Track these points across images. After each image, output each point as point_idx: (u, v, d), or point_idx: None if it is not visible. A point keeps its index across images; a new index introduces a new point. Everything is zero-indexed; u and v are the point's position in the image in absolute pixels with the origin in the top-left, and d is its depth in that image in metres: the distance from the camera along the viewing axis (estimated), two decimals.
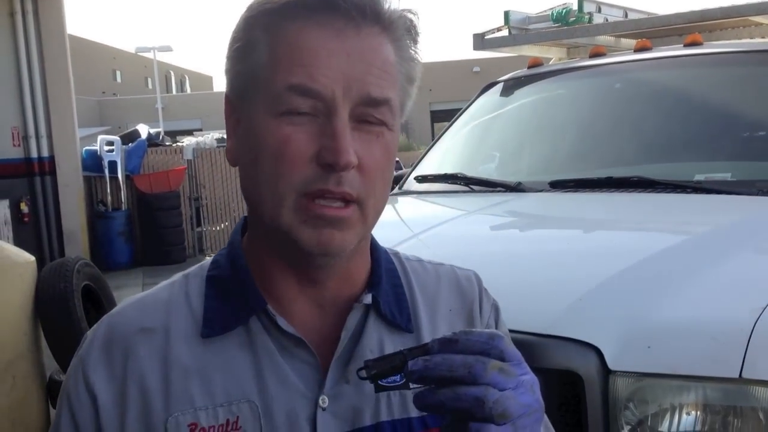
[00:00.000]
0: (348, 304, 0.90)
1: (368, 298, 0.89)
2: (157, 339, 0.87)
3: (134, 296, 0.94)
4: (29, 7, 9.02)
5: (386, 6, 0.84)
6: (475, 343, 0.76)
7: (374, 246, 0.96)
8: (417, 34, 0.88)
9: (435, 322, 0.94)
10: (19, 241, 6.89)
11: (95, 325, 0.92)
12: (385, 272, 0.94)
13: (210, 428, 0.83)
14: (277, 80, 0.81)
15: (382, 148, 0.84)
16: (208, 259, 0.96)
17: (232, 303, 0.88)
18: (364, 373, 0.78)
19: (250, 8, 0.86)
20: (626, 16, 4.39)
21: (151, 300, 0.92)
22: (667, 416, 1.43)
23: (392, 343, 0.90)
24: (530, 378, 0.78)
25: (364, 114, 0.82)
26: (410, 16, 0.87)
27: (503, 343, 0.77)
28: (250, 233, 0.92)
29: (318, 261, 0.85)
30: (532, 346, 1.48)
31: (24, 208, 9.04)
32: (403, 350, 0.78)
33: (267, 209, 0.84)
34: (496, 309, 1.01)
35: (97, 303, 4.88)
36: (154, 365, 0.86)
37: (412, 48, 0.88)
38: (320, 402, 0.85)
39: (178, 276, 0.95)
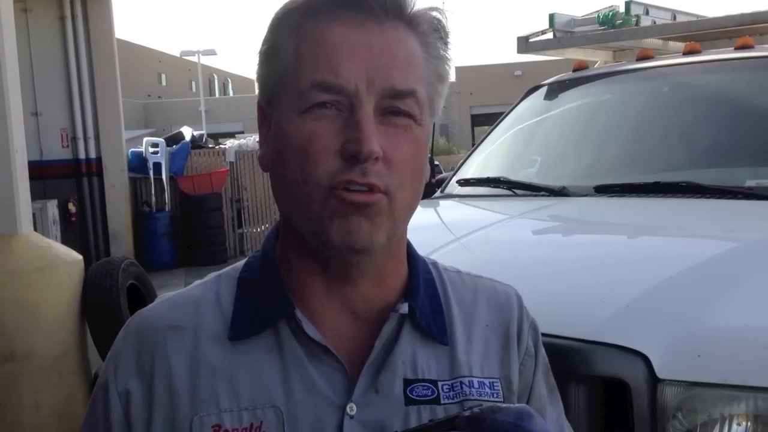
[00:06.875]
0: (382, 313, 0.88)
1: (405, 308, 0.88)
2: (185, 337, 0.87)
3: (167, 294, 0.95)
4: (79, 11, 9.22)
5: (410, 3, 0.84)
6: (501, 423, 0.74)
7: (412, 255, 0.94)
8: (446, 33, 0.87)
9: (470, 336, 0.93)
10: (66, 240, 7.04)
11: (128, 321, 0.92)
12: (422, 282, 0.93)
13: (233, 431, 0.83)
14: (302, 78, 0.82)
15: (409, 143, 0.83)
16: (242, 261, 0.95)
17: (260, 306, 0.88)
18: None
19: (276, 12, 0.87)
20: (675, 18, 4.30)
21: (182, 298, 0.92)
22: (717, 427, 1.40)
23: (425, 356, 0.89)
24: None
25: (389, 106, 0.82)
26: (437, 14, 0.86)
27: (532, 423, 0.75)
28: (282, 237, 0.92)
29: (349, 257, 0.84)
30: (578, 353, 1.46)
31: (71, 208, 9.23)
32: (430, 421, 0.77)
33: (296, 208, 0.84)
34: (535, 329, 0.98)
35: (142, 301, 4.96)
36: (182, 364, 0.86)
37: (442, 47, 0.87)
38: (348, 409, 0.84)
39: (211, 276, 0.95)
